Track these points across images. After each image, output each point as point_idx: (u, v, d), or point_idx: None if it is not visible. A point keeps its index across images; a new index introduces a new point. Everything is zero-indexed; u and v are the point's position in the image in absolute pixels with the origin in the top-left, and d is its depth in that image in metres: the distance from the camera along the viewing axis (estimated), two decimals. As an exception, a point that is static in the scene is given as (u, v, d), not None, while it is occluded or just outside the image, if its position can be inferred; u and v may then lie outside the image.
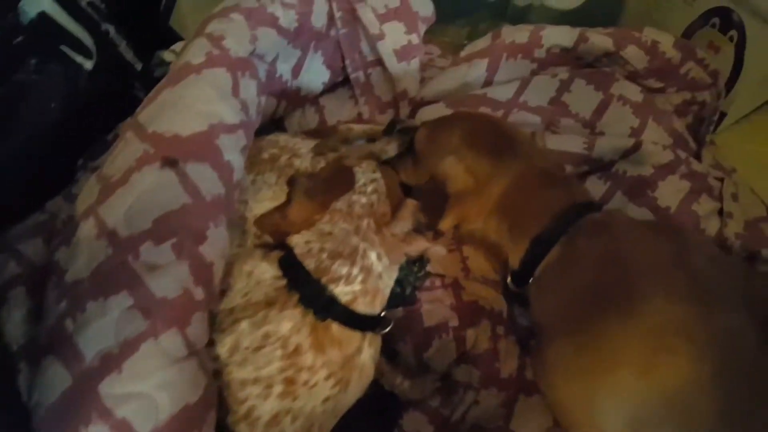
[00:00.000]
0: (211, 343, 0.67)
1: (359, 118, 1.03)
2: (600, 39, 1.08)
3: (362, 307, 0.71)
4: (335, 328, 0.69)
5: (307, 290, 0.69)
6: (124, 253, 0.63)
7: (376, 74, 1.04)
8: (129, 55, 1.08)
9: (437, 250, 0.77)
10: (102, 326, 0.59)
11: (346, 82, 1.10)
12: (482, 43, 1.11)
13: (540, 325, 0.77)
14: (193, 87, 0.77)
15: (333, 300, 0.69)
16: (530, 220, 0.74)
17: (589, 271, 0.69)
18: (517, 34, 1.08)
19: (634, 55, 1.09)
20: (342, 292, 0.70)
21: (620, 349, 0.63)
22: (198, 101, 0.76)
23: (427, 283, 1.03)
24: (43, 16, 0.85)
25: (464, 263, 1.02)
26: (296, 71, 1.03)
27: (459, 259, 1.02)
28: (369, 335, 0.74)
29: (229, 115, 0.79)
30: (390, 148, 0.91)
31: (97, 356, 0.57)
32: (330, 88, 1.10)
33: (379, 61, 1.04)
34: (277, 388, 0.66)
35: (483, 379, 0.95)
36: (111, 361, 0.56)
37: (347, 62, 1.04)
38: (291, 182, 0.78)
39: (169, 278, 0.62)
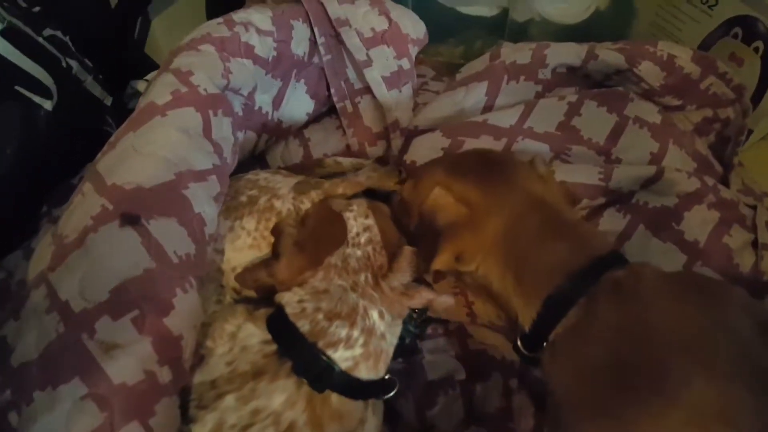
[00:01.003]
0: (188, 421, 0.61)
1: (347, 151, 0.98)
2: (611, 55, 1.02)
3: (365, 372, 0.65)
4: (335, 399, 0.63)
5: (302, 357, 0.62)
6: (78, 330, 0.57)
7: (364, 102, 0.99)
8: (96, 90, 1.04)
9: (443, 301, 0.70)
10: (50, 422, 0.53)
11: (332, 111, 1.05)
12: (479, 64, 1.05)
13: (556, 397, 0.70)
14: (158, 131, 0.72)
15: (331, 367, 0.62)
16: (541, 275, 0.68)
17: (614, 344, 0.61)
18: (518, 53, 1.03)
19: (649, 71, 1.04)
20: (341, 357, 0.63)
21: None
22: (163, 148, 0.71)
23: (429, 330, 0.97)
24: (-5, 57, 0.81)
25: (469, 308, 0.96)
26: (277, 102, 0.98)
27: (463, 303, 0.96)
28: (372, 402, 0.69)
29: (198, 160, 0.73)
30: (390, 181, 0.86)
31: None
32: (315, 119, 1.05)
33: (368, 89, 0.98)
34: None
35: (495, 437, 0.89)
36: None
37: (333, 91, 0.99)
38: (276, 232, 0.73)
39: (129, 359, 0.56)
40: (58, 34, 0.97)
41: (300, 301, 0.66)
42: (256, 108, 0.96)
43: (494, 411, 0.89)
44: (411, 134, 0.98)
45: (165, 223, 0.66)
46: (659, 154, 0.98)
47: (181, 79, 0.77)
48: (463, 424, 0.89)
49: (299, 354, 0.63)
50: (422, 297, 0.69)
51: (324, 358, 0.63)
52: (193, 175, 0.71)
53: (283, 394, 0.61)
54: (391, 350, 0.70)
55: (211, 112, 0.78)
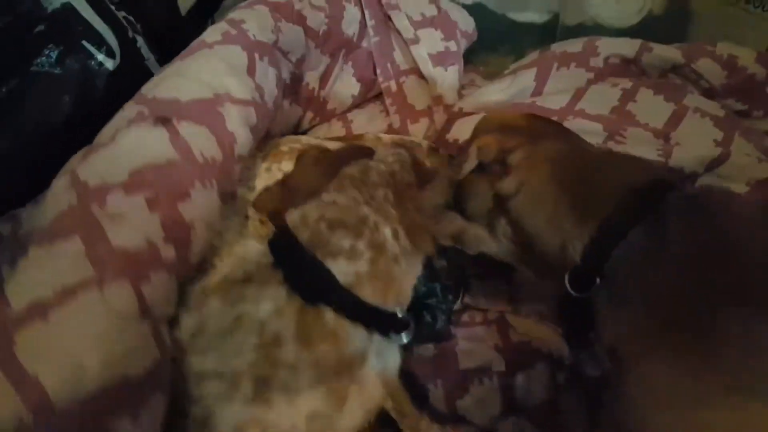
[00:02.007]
0: (174, 323, 0.56)
1: (389, 129, 0.97)
2: (667, 50, 1.00)
3: (369, 294, 0.58)
4: (329, 317, 0.56)
5: (295, 265, 0.57)
6: (89, 201, 0.56)
7: (409, 82, 1.00)
8: (156, 70, 1.10)
9: (476, 234, 0.64)
10: (41, 272, 0.50)
11: (377, 98, 1.06)
12: (529, 58, 1.06)
13: (615, 350, 0.60)
14: (202, 60, 0.75)
15: (329, 279, 0.57)
16: (597, 191, 0.60)
17: (693, 264, 0.53)
18: (568, 45, 1.02)
19: (708, 68, 1.00)
20: (341, 270, 0.57)
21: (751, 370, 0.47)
22: (205, 73, 0.73)
23: (466, 317, 0.88)
24: (67, 7, 0.88)
25: (512, 291, 0.88)
26: (324, 80, 1.00)
27: (505, 284, 0.88)
28: (377, 341, 0.60)
29: (238, 90, 0.74)
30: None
31: (26, 304, 0.47)
32: (360, 105, 1.07)
33: (414, 70, 1.00)
34: (246, 388, 0.52)
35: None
36: (39, 309, 0.47)
37: (378, 71, 1.01)
38: (299, 156, 0.71)
39: (133, 229, 0.54)
40: (131, 18, 1.06)
41: (304, 213, 0.61)
42: (304, 83, 0.98)
43: (539, 404, 0.77)
44: (455, 116, 0.97)
45: (195, 128, 0.66)
46: (724, 141, 0.91)
47: (233, 25, 0.81)
48: (500, 417, 0.77)
49: (292, 262, 0.57)
50: (452, 225, 0.63)
51: (321, 268, 0.57)
52: (231, 99, 0.72)
53: (271, 303, 0.55)
54: (407, 286, 0.63)
55: (257, 55, 0.80)
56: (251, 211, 0.74)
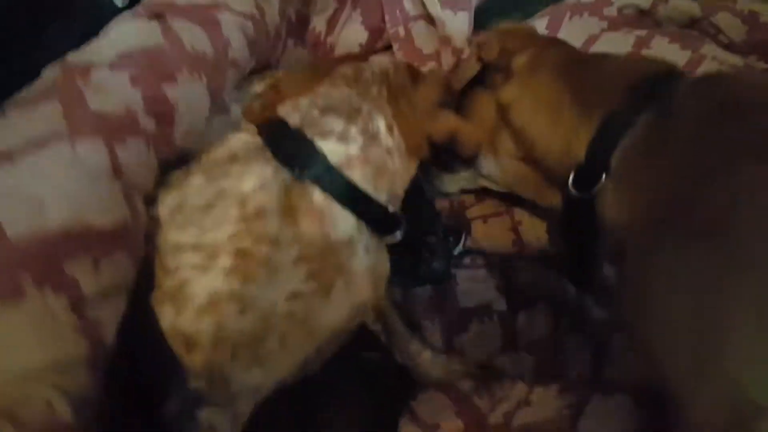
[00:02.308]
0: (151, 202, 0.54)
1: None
2: (683, 2, 0.97)
3: (359, 179, 0.55)
4: (317, 195, 0.53)
5: (284, 142, 0.54)
6: (74, 75, 0.54)
7: (417, 27, 0.97)
8: None
9: (471, 132, 0.61)
10: (14, 128, 0.48)
11: (385, 50, 1.04)
12: (541, 12, 1.03)
13: (623, 248, 0.55)
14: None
15: (317, 154, 0.54)
16: (602, 85, 0.57)
17: (707, 143, 0.49)
18: (582, -2, 1.00)
19: (728, 22, 0.97)
20: (332, 150, 0.55)
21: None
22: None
23: (467, 260, 0.84)
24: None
25: (516, 233, 0.83)
26: (331, 25, 0.99)
27: (509, 226, 0.84)
28: (367, 237, 0.57)
29: (238, 3, 0.73)
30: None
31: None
32: (367, 58, 1.05)
33: (423, 16, 0.98)
34: (224, 261, 0.49)
35: (539, 373, 0.71)
36: (6, 155, 0.44)
37: (387, 18, 0.99)
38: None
39: (113, 97, 0.52)
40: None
41: (295, 103, 0.59)
42: (311, 26, 0.97)
43: (539, 339, 0.73)
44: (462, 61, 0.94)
45: (189, 24, 0.64)
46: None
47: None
48: (499, 353, 0.72)
49: (281, 139, 0.55)
50: (447, 121, 0.60)
51: (311, 145, 0.54)
52: (229, 9, 0.71)
53: (255, 178, 0.53)
54: (400, 180, 0.60)
55: (261, -22, 0.79)
56: (243, 123, 0.72)
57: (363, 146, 0.56)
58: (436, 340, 0.74)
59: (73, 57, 0.58)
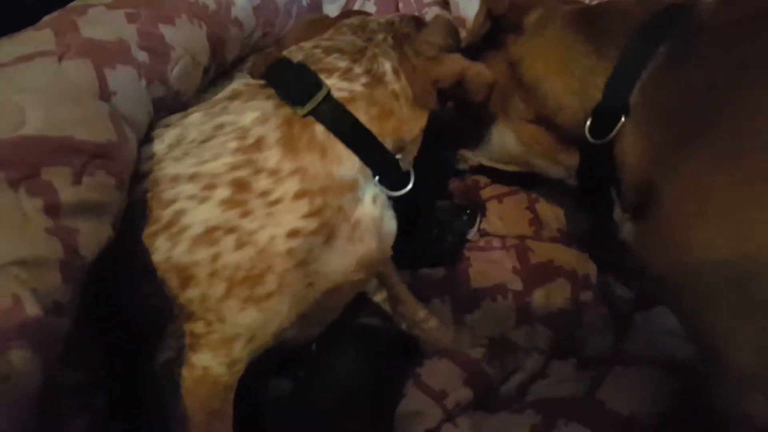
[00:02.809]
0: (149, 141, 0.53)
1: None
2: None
3: (364, 117, 0.53)
4: (320, 130, 0.51)
5: (286, 77, 0.53)
6: (70, 12, 0.55)
7: (431, 12, 0.98)
8: None
9: (480, 73, 0.58)
10: (3, 49, 0.48)
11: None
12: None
13: (646, 192, 0.52)
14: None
15: (319, 86, 0.52)
16: (613, 28, 0.55)
17: (729, 62, 0.47)
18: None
19: None
20: (335, 85, 0.53)
21: None
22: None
23: (482, 243, 0.80)
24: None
25: (533, 211, 0.80)
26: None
27: (525, 204, 0.80)
28: (373, 187, 0.55)
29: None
30: None
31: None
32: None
33: (437, 2, 0.98)
34: (222, 192, 0.48)
35: (556, 345, 0.65)
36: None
37: (401, 5, 1.00)
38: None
39: (106, 27, 0.53)
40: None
41: (300, 45, 0.58)
42: (324, 12, 0.98)
43: (557, 312, 0.68)
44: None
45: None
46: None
47: None
48: (514, 329, 0.68)
49: (283, 74, 0.54)
50: (452, 65, 0.57)
51: (312, 75, 0.53)
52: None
53: (255, 112, 0.52)
54: (408, 128, 0.57)
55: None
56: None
57: (368, 85, 0.54)
58: (445, 318, 0.70)
59: (74, 4, 0.59)
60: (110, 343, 0.52)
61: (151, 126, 0.53)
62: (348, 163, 0.52)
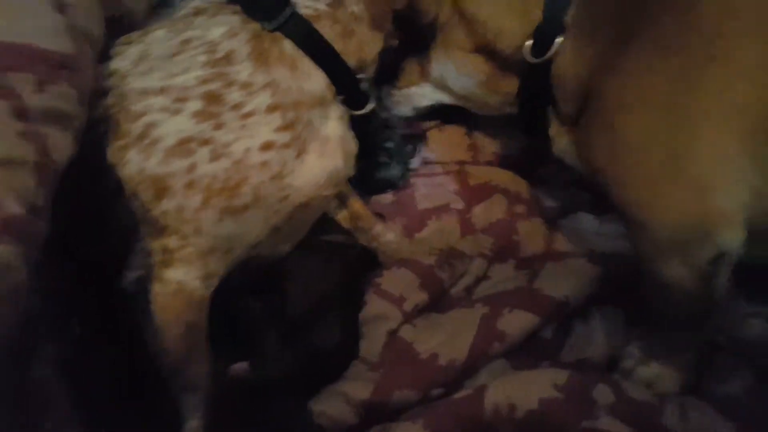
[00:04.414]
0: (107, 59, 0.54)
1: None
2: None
3: (330, 35, 0.57)
4: (288, 46, 0.54)
5: None
6: None
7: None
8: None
9: None
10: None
11: None
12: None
13: (587, 88, 0.60)
14: None
15: (287, 5, 0.55)
16: None
17: None
18: None
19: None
20: (302, 3, 0.56)
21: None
22: None
23: (425, 170, 0.87)
24: None
25: (470, 137, 0.87)
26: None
27: (463, 131, 0.87)
28: (338, 105, 0.59)
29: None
30: None
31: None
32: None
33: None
34: (193, 105, 0.50)
35: (497, 250, 0.74)
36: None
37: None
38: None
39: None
40: None
41: None
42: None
43: (496, 222, 0.77)
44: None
45: None
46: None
47: None
48: (458, 242, 0.75)
49: None
50: None
51: None
52: None
53: (223, 27, 0.54)
54: (368, 49, 0.61)
55: None
56: None
57: (331, 5, 0.58)
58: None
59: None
60: (81, 267, 0.54)
61: (107, 44, 0.54)
62: (316, 79, 0.56)
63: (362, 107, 0.62)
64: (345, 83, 0.59)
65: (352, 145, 0.62)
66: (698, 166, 0.53)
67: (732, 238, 0.54)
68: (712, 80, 0.51)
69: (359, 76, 0.61)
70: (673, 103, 0.53)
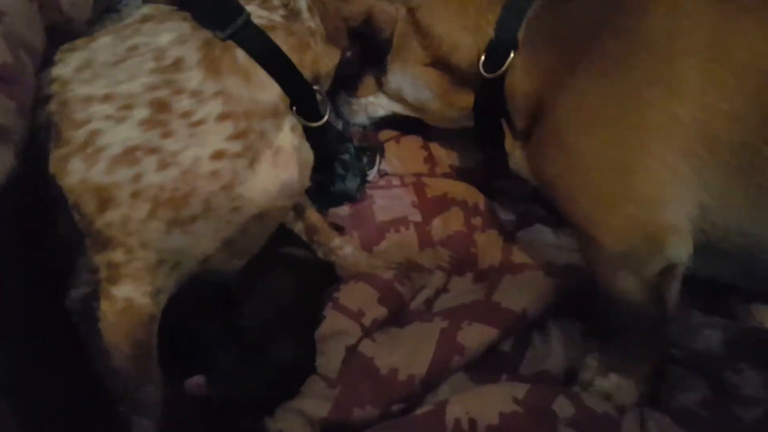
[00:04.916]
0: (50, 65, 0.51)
1: None
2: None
3: (285, 46, 0.56)
4: (241, 55, 0.53)
5: (204, 2, 0.54)
6: None
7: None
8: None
9: (384, 10, 0.63)
10: None
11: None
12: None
13: (535, 113, 0.62)
14: None
15: (241, 13, 0.53)
16: None
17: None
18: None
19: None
20: (256, 13, 0.55)
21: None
22: None
23: (383, 182, 0.87)
24: None
25: (427, 149, 0.87)
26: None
27: (421, 144, 0.87)
28: (292, 116, 0.58)
29: None
30: None
31: None
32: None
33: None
34: (140, 112, 0.48)
35: (455, 263, 0.74)
36: None
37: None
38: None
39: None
40: None
41: None
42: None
43: (453, 234, 0.77)
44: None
45: None
46: None
47: None
48: (416, 256, 0.75)
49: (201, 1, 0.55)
50: (361, 2, 0.63)
51: (233, 3, 0.55)
52: None
53: (172, 33, 0.52)
54: (322, 63, 0.61)
55: None
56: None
57: (286, 17, 0.57)
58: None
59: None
60: (21, 285, 0.51)
61: (50, 52, 0.52)
62: (270, 89, 0.55)
63: (318, 119, 0.61)
64: (300, 95, 0.58)
65: (308, 156, 0.61)
66: (646, 182, 0.55)
67: (680, 250, 0.56)
68: (659, 99, 0.53)
69: (315, 87, 0.60)
70: (620, 120, 0.54)
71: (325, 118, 0.62)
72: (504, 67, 0.63)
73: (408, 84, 0.77)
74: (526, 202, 0.83)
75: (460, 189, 0.85)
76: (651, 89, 0.53)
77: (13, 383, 0.44)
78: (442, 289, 0.71)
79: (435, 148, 0.88)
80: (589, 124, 0.56)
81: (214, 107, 0.50)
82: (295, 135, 0.58)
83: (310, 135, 0.61)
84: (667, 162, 0.53)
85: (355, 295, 0.66)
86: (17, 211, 0.46)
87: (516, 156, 0.68)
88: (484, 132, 0.72)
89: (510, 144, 0.69)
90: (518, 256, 0.75)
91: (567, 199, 0.59)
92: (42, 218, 0.49)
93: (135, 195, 0.47)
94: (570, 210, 0.59)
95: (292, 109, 0.58)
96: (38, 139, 0.47)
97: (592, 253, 0.59)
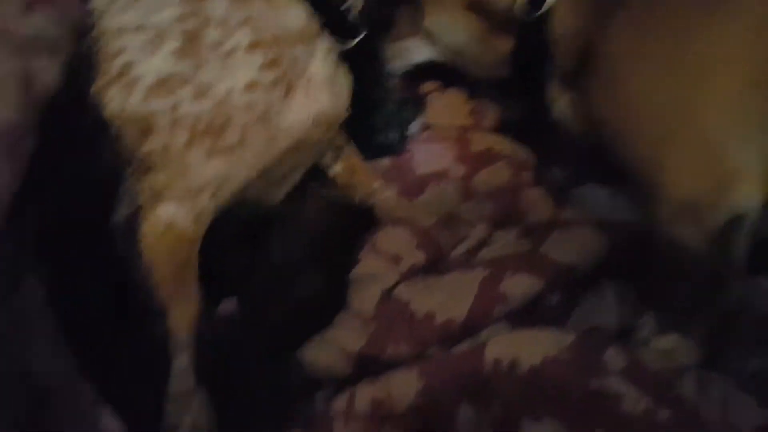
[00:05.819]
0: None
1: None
2: None
3: None
4: None
5: None
6: None
7: None
8: None
9: None
10: None
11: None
12: None
13: (586, 44, 0.57)
14: None
15: None
16: None
17: None
18: None
19: None
20: None
21: None
22: None
23: (425, 135, 0.83)
24: None
25: (473, 103, 0.83)
26: None
27: (465, 95, 0.84)
28: (325, 41, 0.56)
29: None
30: None
31: None
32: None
33: None
34: (172, 44, 0.48)
35: (499, 216, 0.70)
36: None
37: None
38: None
39: None
40: None
41: None
42: None
43: (498, 187, 0.73)
44: None
45: None
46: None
47: None
48: (458, 209, 0.72)
49: None
50: None
51: None
52: None
53: None
54: None
55: None
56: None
57: None
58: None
59: None
60: (66, 204, 0.51)
61: None
62: (296, 12, 0.54)
63: (352, 36, 0.59)
64: (328, 13, 0.56)
65: (343, 86, 0.59)
66: (710, 117, 0.50)
67: (749, 198, 0.50)
68: (716, 29, 0.49)
69: (347, 4, 0.58)
70: (677, 52, 0.50)
71: (360, 36, 0.59)
72: (545, 7, 0.59)
73: (445, 28, 0.74)
74: (579, 160, 0.79)
75: (506, 144, 0.81)
76: (708, 18, 0.49)
77: (59, 297, 0.46)
78: (485, 242, 0.68)
79: (481, 101, 0.85)
80: (646, 58, 0.52)
81: (243, 36, 0.50)
82: (329, 61, 0.57)
83: (351, 63, 0.59)
84: (730, 97, 0.49)
85: (392, 240, 0.64)
86: (63, 134, 0.46)
87: (561, 104, 0.64)
88: (526, 78, 0.68)
89: (555, 90, 0.65)
90: (569, 213, 0.71)
91: (621, 140, 0.55)
92: (86, 143, 0.49)
93: (174, 123, 0.47)
94: (626, 155, 0.55)
95: (323, 31, 0.56)
96: (80, 67, 0.48)
97: (651, 204, 0.54)
